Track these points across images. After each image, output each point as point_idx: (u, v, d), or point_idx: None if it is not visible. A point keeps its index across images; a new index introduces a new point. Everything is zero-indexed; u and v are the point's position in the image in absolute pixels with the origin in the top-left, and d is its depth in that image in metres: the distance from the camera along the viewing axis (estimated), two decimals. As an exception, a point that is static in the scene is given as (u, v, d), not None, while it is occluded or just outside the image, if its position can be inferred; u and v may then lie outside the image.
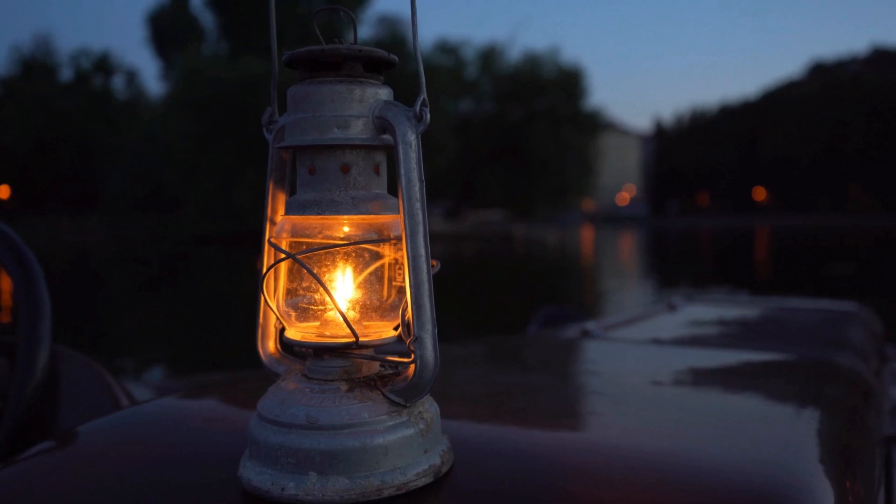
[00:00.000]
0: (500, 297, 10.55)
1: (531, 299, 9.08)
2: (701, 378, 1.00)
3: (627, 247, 28.31)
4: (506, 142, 38.29)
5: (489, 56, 40.57)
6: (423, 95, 0.53)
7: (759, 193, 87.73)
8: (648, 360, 1.13)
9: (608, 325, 1.72)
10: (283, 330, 0.59)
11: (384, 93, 0.55)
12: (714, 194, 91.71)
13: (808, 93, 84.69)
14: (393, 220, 0.55)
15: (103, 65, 42.51)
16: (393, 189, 0.56)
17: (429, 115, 0.53)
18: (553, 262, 19.41)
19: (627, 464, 0.59)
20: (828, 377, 1.01)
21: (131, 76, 44.29)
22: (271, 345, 0.61)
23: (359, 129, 0.53)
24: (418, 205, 0.52)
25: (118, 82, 43.25)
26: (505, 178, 38.57)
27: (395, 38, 37.45)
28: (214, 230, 29.96)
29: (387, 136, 0.54)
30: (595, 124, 44.56)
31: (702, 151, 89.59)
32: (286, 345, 0.59)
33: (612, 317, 2.03)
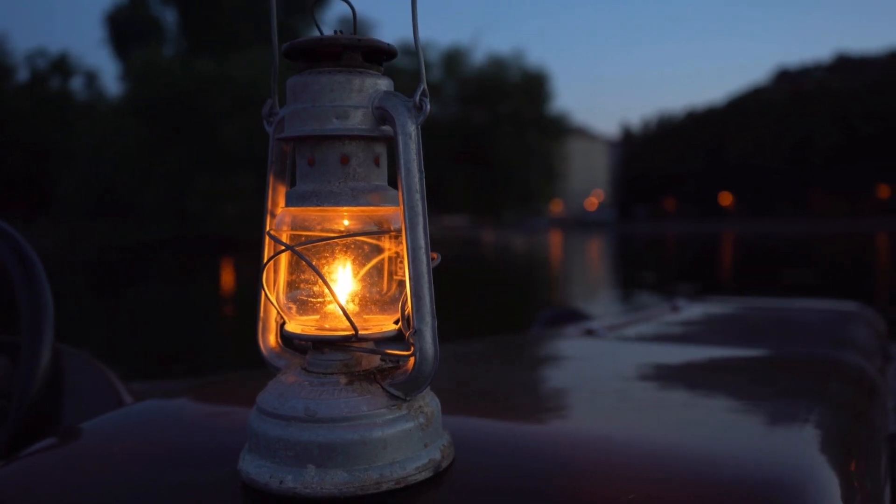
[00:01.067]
0: (473, 303, 10.42)
1: (505, 304, 9.25)
2: (705, 376, 1.01)
3: (595, 252, 28.41)
4: (470, 145, 38.00)
5: (453, 59, 40.41)
6: (423, 86, 0.52)
7: (725, 199, 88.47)
8: (652, 358, 1.13)
9: (612, 325, 1.71)
10: (283, 324, 0.58)
11: (384, 83, 0.54)
12: (681, 199, 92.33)
13: (773, 99, 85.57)
14: (393, 212, 0.55)
15: (61, 66, 41.30)
16: (392, 181, 0.55)
17: (429, 106, 0.53)
18: (523, 267, 19.40)
19: (630, 460, 0.59)
20: (833, 374, 1.01)
21: (91, 77, 43.04)
22: (272, 338, 0.61)
23: (358, 120, 0.53)
24: (418, 196, 0.52)
25: (77, 84, 42.10)
26: (469, 183, 38.27)
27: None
28: (167, 236, 29.16)
29: (386, 127, 0.54)
30: (559, 129, 44.42)
31: (668, 157, 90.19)
32: (286, 339, 0.59)
33: (615, 317, 2.02)
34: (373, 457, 0.51)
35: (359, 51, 0.53)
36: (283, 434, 0.51)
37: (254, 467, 0.52)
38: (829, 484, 0.57)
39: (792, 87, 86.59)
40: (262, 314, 0.60)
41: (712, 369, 1.05)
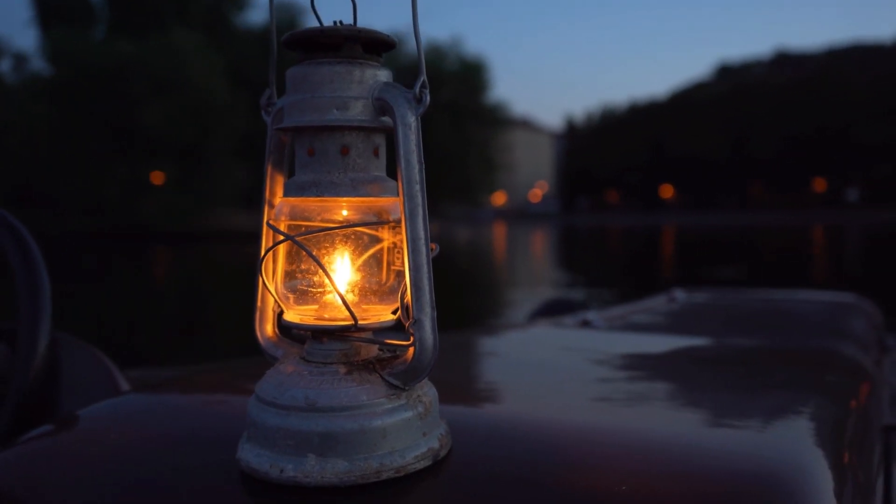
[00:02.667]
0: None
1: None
2: (701, 367, 1.01)
3: (539, 245, 28.62)
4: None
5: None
6: (423, 77, 0.53)
7: (667, 191, 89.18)
8: (648, 349, 1.14)
9: (608, 316, 1.71)
10: (280, 314, 0.59)
11: (384, 74, 0.54)
12: (623, 192, 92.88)
13: (714, 93, 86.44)
14: (392, 203, 0.55)
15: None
16: (390, 172, 0.56)
17: (428, 97, 0.53)
18: (467, 260, 19.18)
19: (625, 450, 0.59)
20: (829, 366, 1.02)
21: (20, 60, 40.53)
22: (269, 328, 0.61)
23: (358, 111, 0.53)
24: (418, 187, 0.52)
25: (5, 66, 39.64)
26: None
27: (291, 25, 35.83)
28: (83, 228, 27.35)
29: (386, 119, 0.54)
30: (497, 119, 43.71)
31: (611, 150, 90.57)
32: (284, 328, 0.59)
33: (612, 308, 1.97)
34: (372, 446, 0.51)
35: (359, 42, 0.53)
36: (282, 423, 0.52)
37: (253, 456, 0.53)
38: (824, 475, 0.57)
39: (732, 82, 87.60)
40: (259, 304, 0.61)
41: (708, 360, 1.06)
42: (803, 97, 74.58)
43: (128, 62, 29.17)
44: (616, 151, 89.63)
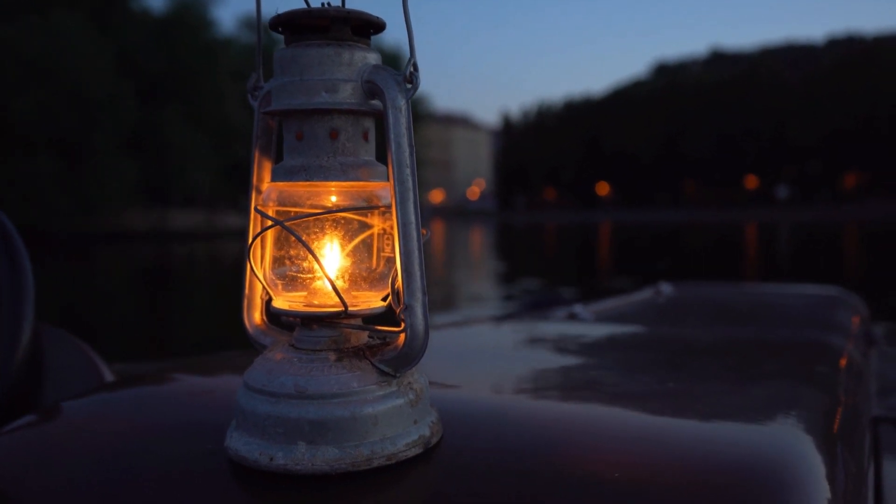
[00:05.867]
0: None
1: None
2: (690, 357, 1.01)
3: (478, 242, 28.73)
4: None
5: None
6: (414, 58, 0.52)
7: (603, 188, 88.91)
8: (634, 341, 1.15)
9: (595, 309, 1.71)
10: (268, 301, 0.58)
11: (373, 57, 0.54)
12: (560, 189, 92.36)
13: (649, 91, 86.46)
14: (382, 188, 0.54)
15: None
16: (379, 157, 0.55)
17: (419, 80, 0.52)
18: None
19: (616, 437, 0.59)
20: (817, 357, 1.02)
21: None
22: (257, 316, 0.60)
23: (347, 94, 0.52)
24: (408, 171, 0.52)
25: None
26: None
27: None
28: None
29: (376, 102, 0.53)
30: (417, 113, 42.23)
31: (547, 147, 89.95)
32: (272, 316, 0.58)
33: (598, 301, 1.93)
34: (364, 433, 0.51)
35: (348, 24, 0.52)
36: (272, 411, 0.51)
37: (242, 444, 0.52)
38: (814, 465, 0.58)
39: (669, 80, 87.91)
40: (247, 291, 0.60)
41: (696, 351, 1.05)
42: (736, 95, 74.86)
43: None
44: (552, 149, 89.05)
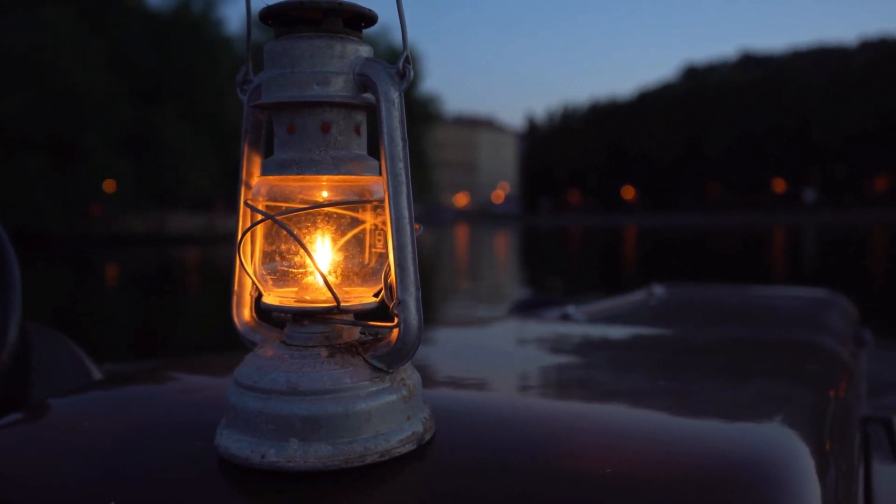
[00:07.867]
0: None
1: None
2: (682, 356, 1.01)
3: (502, 247, 28.51)
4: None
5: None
6: (407, 52, 0.51)
7: (628, 192, 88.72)
8: (628, 340, 1.15)
9: (588, 310, 1.73)
10: (258, 298, 0.57)
11: (365, 50, 0.53)
12: (584, 192, 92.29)
13: (673, 94, 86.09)
14: (374, 182, 0.54)
15: None
16: (371, 151, 0.55)
17: (412, 73, 0.51)
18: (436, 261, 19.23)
19: (607, 435, 0.59)
20: (808, 357, 1.03)
21: None
22: (246, 313, 0.60)
23: (339, 87, 0.51)
24: (401, 165, 0.51)
25: None
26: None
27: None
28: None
29: (368, 95, 0.53)
30: (429, 113, 42.22)
31: (572, 150, 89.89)
32: (262, 312, 0.57)
33: (592, 303, 1.97)
34: (357, 429, 0.50)
35: (340, 16, 0.52)
36: (263, 407, 0.50)
37: (233, 442, 0.51)
38: (804, 463, 0.58)
39: (697, 83, 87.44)
40: (236, 287, 0.59)
41: (689, 350, 1.05)
42: (763, 98, 74.39)
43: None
44: (577, 151, 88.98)
